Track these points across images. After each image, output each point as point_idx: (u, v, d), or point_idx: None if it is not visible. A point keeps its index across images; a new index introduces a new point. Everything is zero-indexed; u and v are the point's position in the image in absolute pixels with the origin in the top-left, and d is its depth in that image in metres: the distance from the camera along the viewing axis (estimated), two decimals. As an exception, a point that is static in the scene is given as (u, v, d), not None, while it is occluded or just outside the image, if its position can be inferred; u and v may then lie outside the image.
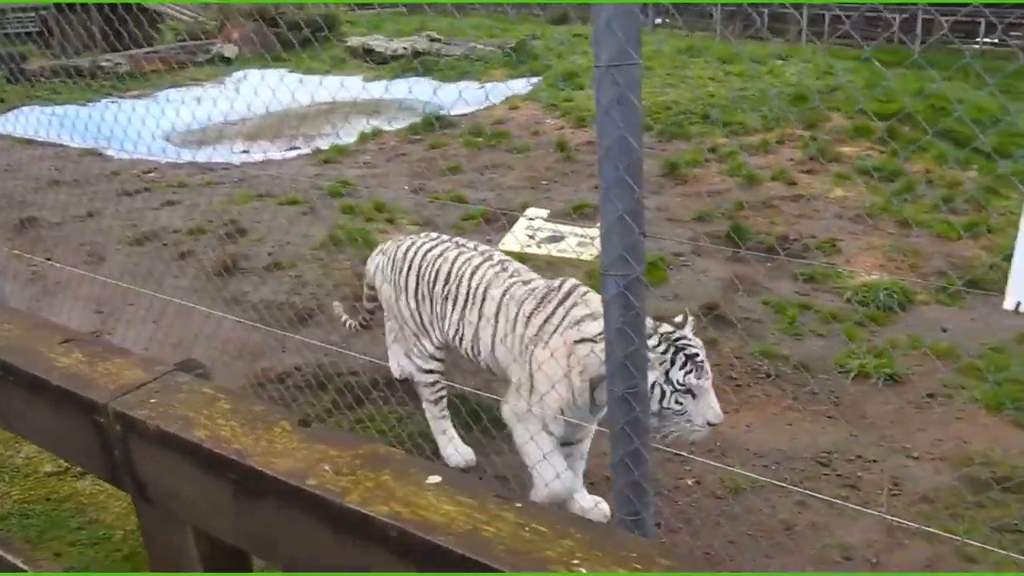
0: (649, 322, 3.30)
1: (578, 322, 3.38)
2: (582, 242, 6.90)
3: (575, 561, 1.01)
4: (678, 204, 7.56)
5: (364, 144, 10.24)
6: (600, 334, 3.26)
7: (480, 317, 3.72)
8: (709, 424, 3.22)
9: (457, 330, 3.84)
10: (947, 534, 3.44)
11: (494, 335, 3.66)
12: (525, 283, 3.67)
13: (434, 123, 10.08)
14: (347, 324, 4.82)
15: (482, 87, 11.97)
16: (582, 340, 3.33)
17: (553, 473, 3.53)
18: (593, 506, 3.80)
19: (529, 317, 3.51)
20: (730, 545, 3.63)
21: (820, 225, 7.00)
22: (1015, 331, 5.27)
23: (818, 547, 3.58)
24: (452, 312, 3.84)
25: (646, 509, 2.51)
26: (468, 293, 3.79)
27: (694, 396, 3.18)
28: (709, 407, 3.20)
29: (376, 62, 14.84)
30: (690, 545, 3.66)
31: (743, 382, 4.91)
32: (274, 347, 5.29)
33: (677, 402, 3.18)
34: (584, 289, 3.54)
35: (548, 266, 6.43)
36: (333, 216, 7.64)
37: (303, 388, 4.79)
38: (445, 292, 3.86)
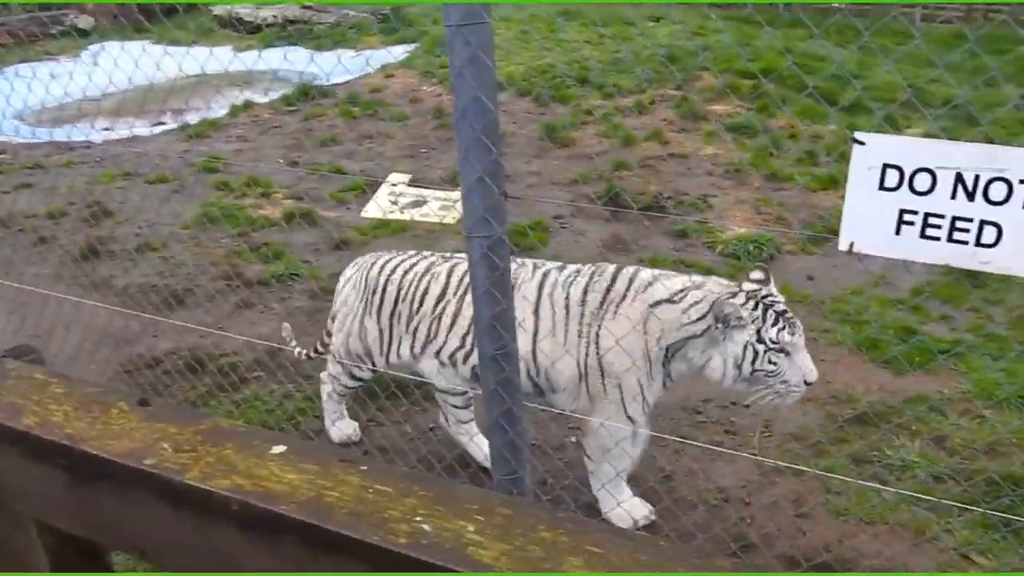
0: (724, 282, 3.28)
1: (648, 285, 3.24)
2: (445, 206, 6.89)
3: (418, 518, 1.01)
4: (557, 167, 7.63)
5: (236, 117, 9.88)
6: (679, 292, 3.19)
7: None
8: (806, 383, 3.11)
9: (460, 346, 3.52)
10: (812, 470, 3.65)
11: (535, 336, 3.34)
12: (560, 269, 3.46)
13: (309, 93, 9.81)
14: (298, 352, 4.29)
15: (358, 55, 11.71)
16: (658, 303, 3.18)
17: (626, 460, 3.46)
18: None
19: (584, 295, 3.29)
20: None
21: (693, 182, 7.21)
22: (871, 276, 5.60)
23: (695, 491, 3.73)
24: (452, 329, 3.53)
25: (523, 468, 2.54)
26: None
27: (788, 354, 3.06)
28: (805, 364, 3.09)
29: (247, 31, 14.29)
30: (576, 496, 3.75)
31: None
32: (145, 332, 5.08)
33: (771, 362, 3.06)
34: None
35: (429, 234, 6.40)
36: (205, 193, 7.37)
37: (178, 373, 4.63)
38: (438, 310, 3.56)
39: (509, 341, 2.39)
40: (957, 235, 1.75)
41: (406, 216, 6.78)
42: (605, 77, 9.70)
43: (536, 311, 3.32)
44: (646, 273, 3.29)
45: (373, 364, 3.85)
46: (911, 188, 1.77)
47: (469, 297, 3.34)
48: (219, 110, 10.05)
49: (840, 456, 3.86)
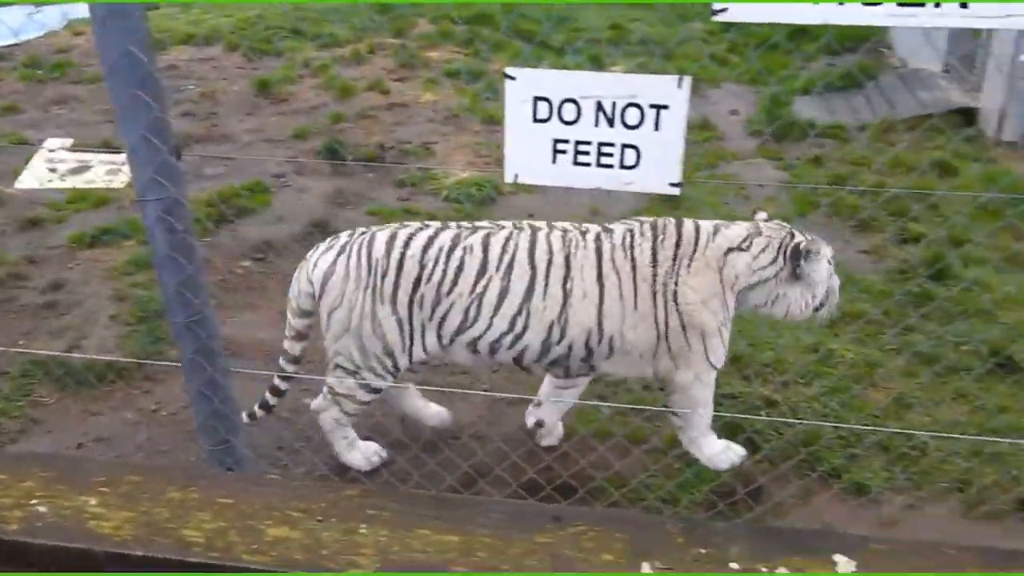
0: (770, 223, 3.29)
1: (714, 235, 3.19)
2: (112, 170, 6.42)
3: (34, 501, 0.94)
4: (274, 123, 7.34)
5: None
6: (744, 239, 3.19)
7: (567, 295, 3.14)
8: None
9: (508, 329, 3.18)
10: (537, 397, 3.86)
11: (600, 304, 3.12)
12: (608, 231, 3.24)
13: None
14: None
15: (38, 11, 10.46)
16: (730, 250, 3.17)
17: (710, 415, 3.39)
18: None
19: (654, 255, 3.14)
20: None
21: (414, 130, 7.24)
22: (585, 208, 5.96)
23: (436, 432, 3.82)
24: (498, 311, 3.16)
25: (235, 435, 2.46)
26: (534, 276, 3.14)
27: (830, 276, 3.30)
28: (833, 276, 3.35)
29: None
30: (312, 462, 3.71)
31: (354, 292, 5.01)
32: None
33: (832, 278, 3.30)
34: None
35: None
36: None
37: None
38: (478, 290, 3.15)
39: (202, 306, 2.28)
40: (604, 160, 1.90)
41: (68, 184, 6.21)
42: (319, 27, 9.42)
43: (599, 279, 3.13)
44: (706, 224, 3.25)
45: (396, 365, 3.30)
46: (560, 118, 1.89)
47: (517, 271, 3.12)
48: None
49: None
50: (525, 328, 3.14)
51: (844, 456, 3.39)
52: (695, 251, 3.14)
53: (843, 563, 1.02)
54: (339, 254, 3.21)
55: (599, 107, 1.86)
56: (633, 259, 3.14)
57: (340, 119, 7.31)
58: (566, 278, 3.11)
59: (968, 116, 7.18)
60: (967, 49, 7.58)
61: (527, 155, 1.94)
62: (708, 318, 3.14)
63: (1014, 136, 6.74)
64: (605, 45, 9.63)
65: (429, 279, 3.14)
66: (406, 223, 3.34)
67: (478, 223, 3.32)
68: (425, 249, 3.15)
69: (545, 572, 0.98)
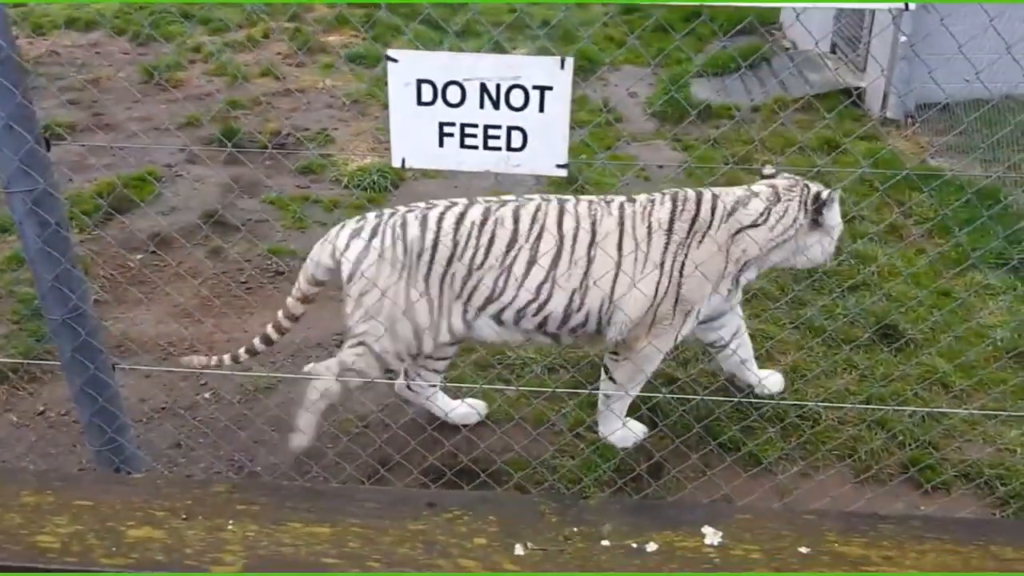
0: (775, 183, 3.37)
1: (730, 213, 3.26)
2: None
3: None
4: (164, 111, 7.06)
5: None
6: (761, 215, 3.27)
7: (590, 261, 3.20)
8: None
9: (533, 298, 3.22)
10: (442, 383, 3.84)
11: (616, 273, 3.19)
12: (631, 201, 3.32)
13: None
14: (225, 358, 3.56)
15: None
16: (742, 229, 3.25)
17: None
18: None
19: (671, 223, 3.23)
20: (254, 445, 3.65)
21: (312, 117, 7.09)
22: (487, 192, 5.94)
23: (338, 422, 3.76)
24: (525, 281, 3.20)
25: (123, 434, 2.37)
26: (562, 242, 3.20)
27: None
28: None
29: None
30: (214, 454, 3.61)
31: (255, 284, 4.88)
32: None
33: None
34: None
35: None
36: None
37: None
38: (507, 261, 3.18)
39: (79, 301, 2.17)
40: (491, 142, 1.89)
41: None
42: (211, 10, 9.10)
43: (619, 246, 3.22)
44: (728, 197, 3.31)
45: (420, 348, 3.34)
46: (445, 101, 1.87)
47: (545, 241, 3.17)
48: None
49: (467, 365, 4.10)
50: (550, 296, 3.21)
51: (740, 429, 3.49)
52: (709, 228, 3.24)
53: (711, 534, 1.05)
54: (372, 237, 3.20)
55: (483, 89, 1.85)
56: (649, 228, 3.23)
57: (234, 106, 7.09)
58: (591, 245, 3.20)
59: (854, 95, 7.47)
60: (852, 31, 7.87)
61: (413, 139, 1.91)
62: (698, 297, 3.25)
63: (896, 114, 7.05)
64: (506, 29, 9.61)
65: (462, 256, 3.18)
66: (431, 201, 3.34)
67: (505, 197, 3.37)
68: (457, 226, 3.19)
69: (417, 559, 0.97)
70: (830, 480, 3.30)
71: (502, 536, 1.03)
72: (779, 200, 3.31)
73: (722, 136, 6.81)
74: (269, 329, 3.54)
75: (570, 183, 5.71)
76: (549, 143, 1.88)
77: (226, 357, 3.52)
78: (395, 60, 1.84)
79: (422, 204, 3.33)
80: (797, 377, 3.89)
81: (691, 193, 3.31)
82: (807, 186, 3.34)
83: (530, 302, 3.23)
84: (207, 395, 4.01)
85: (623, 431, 3.51)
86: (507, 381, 4.02)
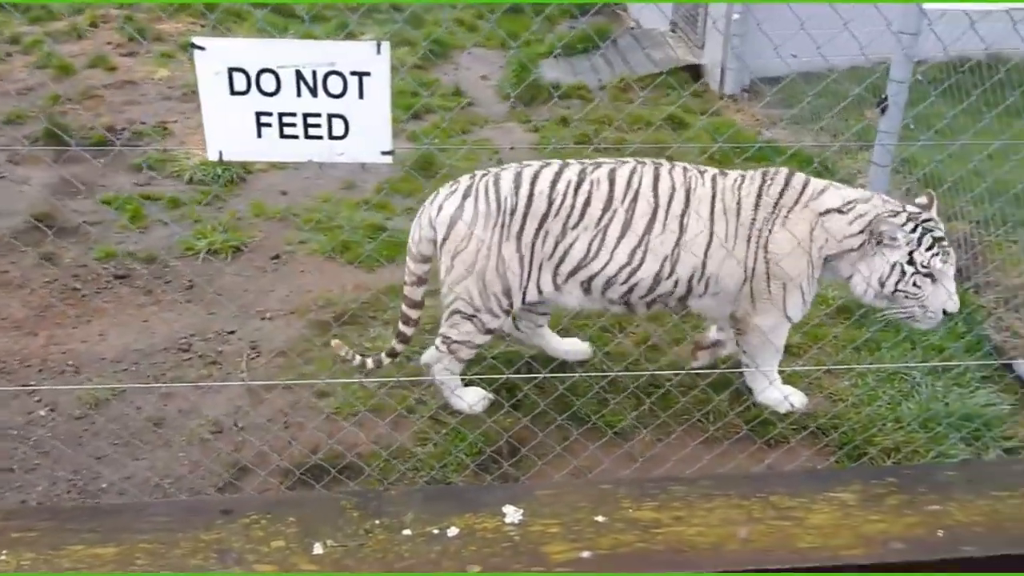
0: (890, 200, 3.30)
1: (820, 193, 3.26)
2: None
3: None
4: (-21, 109, 6.54)
5: None
6: (848, 203, 3.23)
7: (682, 229, 3.23)
8: (945, 313, 3.19)
9: (627, 262, 3.24)
10: (292, 382, 3.74)
11: (708, 243, 3.24)
12: (723, 174, 3.37)
13: None
14: (369, 360, 3.70)
15: None
16: (828, 211, 3.22)
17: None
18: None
19: (758, 199, 3.25)
20: (98, 461, 3.45)
21: (148, 109, 6.73)
22: (339, 182, 5.83)
23: (187, 431, 3.59)
24: (619, 244, 3.23)
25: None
26: (656, 207, 3.22)
27: (934, 281, 3.16)
28: (948, 295, 3.17)
29: None
30: (52, 476, 3.38)
31: (89, 291, 4.59)
32: None
33: (915, 285, 3.16)
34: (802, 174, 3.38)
35: None
36: None
37: None
38: (606, 220, 3.22)
39: None
40: (312, 131, 1.83)
41: None
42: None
43: (712, 217, 3.25)
44: (818, 181, 3.31)
45: (511, 304, 3.35)
46: (260, 90, 1.79)
47: (641, 204, 3.19)
48: None
49: (327, 359, 4.00)
50: (642, 262, 3.25)
51: (598, 401, 3.56)
52: (795, 204, 3.26)
53: (511, 512, 1.07)
54: (465, 197, 3.25)
55: (299, 76, 1.78)
56: (739, 201, 3.27)
57: (60, 100, 6.63)
58: (684, 213, 3.24)
59: (695, 72, 7.75)
60: (690, 9, 8.15)
61: (229, 130, 1.82)
62: (791, 270, 3.26)
63: (734, 89, 7.36)
64: (352, 13, 9.41)
65: (557, 214, 3.22)
66: (527, 162, 3.38)
67: (601, 159, 3.41)
68: (553, 184, 3.23)
69: (209, 569, 0.93)
70: (685, 443, 3.41)
71: (301, 536, 1.01)
72: (867, 201, 3.26)
73: (571, 116, 6.92)
74: (400, 326, 3.62)
75: (426, 169, 5.67)
76: (372, 130, 1.83)
77: (369, 361, 3.66)
78: (202, 48, 1.74)
79: (515, 164, 3.38)
80: (652, 348, 4.00)
81: (783, 170, 3.39)
82: (895, 214, 3.21)
83: (622, 267, 3.26)
84: (43, 411, 3.75)
85: (771, 391, 3.58)
86: (368, 373, 3.96)
